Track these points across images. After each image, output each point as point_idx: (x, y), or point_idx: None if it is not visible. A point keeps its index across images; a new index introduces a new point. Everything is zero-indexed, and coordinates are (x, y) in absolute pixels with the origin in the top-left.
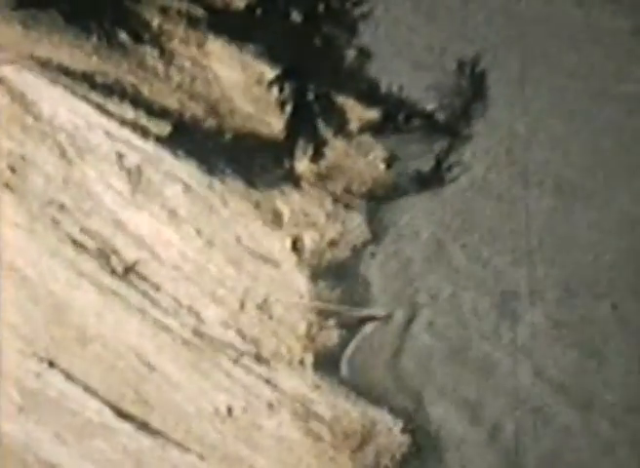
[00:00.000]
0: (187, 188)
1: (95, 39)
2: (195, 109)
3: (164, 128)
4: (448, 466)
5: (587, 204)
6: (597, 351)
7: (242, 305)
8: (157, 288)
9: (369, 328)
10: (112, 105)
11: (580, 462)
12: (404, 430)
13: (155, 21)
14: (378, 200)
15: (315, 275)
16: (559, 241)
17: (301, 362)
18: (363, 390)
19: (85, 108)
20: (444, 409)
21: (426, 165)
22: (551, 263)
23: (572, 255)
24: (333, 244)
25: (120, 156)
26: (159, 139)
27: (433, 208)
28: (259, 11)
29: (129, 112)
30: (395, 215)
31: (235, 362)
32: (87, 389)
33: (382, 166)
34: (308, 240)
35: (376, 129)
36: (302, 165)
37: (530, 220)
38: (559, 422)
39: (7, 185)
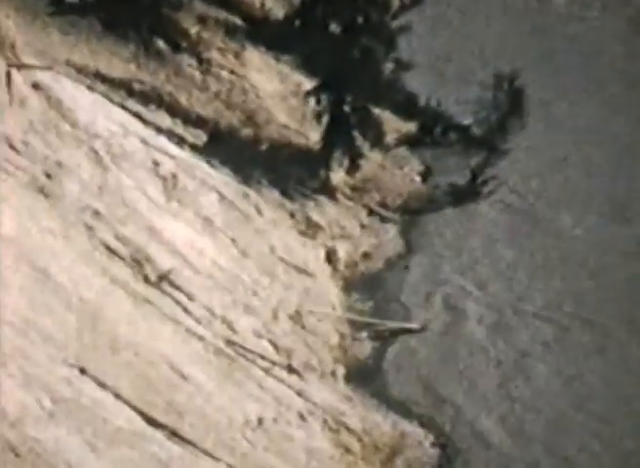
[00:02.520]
0: (222, 197)
1: (132, 46)
2: (232, 118)
3: (200, 137)
4: None
5: (623, 224)
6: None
7: (275, 315)
8: (190, 297)
9: (403, 340)
10: (149, 113)
11: None
12: (434, 444)
13: (193, 30)
14: (412, 213)
15: (348, 287)
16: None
17: (333, 373)
18: (394, 403)
19: (121, 115)
20: (477, 421)
21: (462, 179)
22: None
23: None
24: (367, 256)
25: (156, 164)
26: (195, 148)
27: (468, 222)
28: (297, 21)
29: (165, 120)
30: (430, 229)
31: (267, 372)
32: (118, 397)
33: (418, 179)
34: (342, 251)
35: (412, 142)
36: (338, 176)
37: (559, 237)
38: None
39: (42, 191)
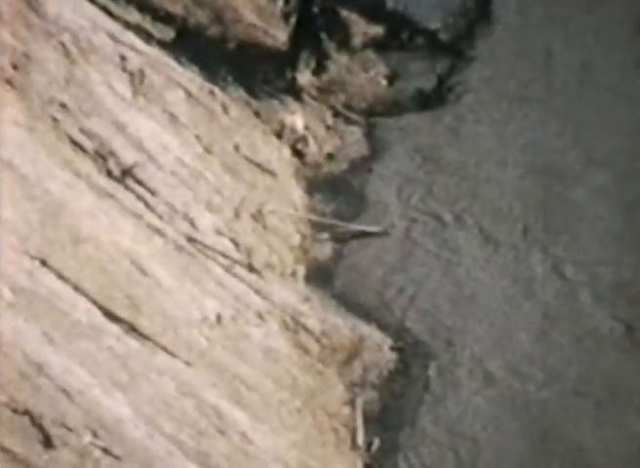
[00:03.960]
0: (189, 94)
1: None
2: (200, 16)
3: (168, 33)
4: (435, 385)
5: (589, 133)
6: None
7: (237, 214)
8: (153, 192)
9: (364, 243)
10: (117, 8)
11: None
12: (393, 347)
13: None
14: (377, 116)
15: (311, 187)
16: (549, 169)
17: (293, 274)
18: (354, 305)
19: (90, 9)
20: (435, 327)
21: (428, 84)
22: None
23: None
24: (331, 157)
25: (123, 59)
26: (163, 44)
27: (433, 127)
28: None
29: (134, 16)
30: (394, 133)
31: (227, 270)
32: (77, 289)
33: (384, 82)
34: (307, 152)
35: (379, 45)
36: (304, 77)
37: (523, 144)
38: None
39: (9, 82)
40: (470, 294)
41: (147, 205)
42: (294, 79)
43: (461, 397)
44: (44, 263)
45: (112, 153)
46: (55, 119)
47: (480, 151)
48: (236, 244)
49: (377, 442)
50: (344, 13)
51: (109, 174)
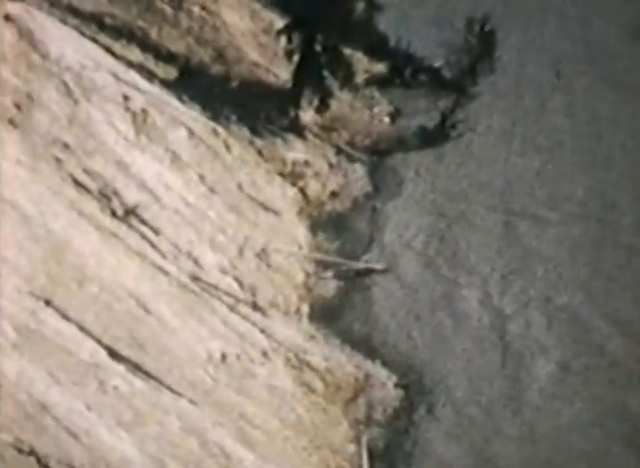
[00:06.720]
0: (191, 133)
1: None
2: (202, 55)
3: (170, 72)
4: (440, 422)
5: (589, 168)
6: None
7: (241, 253)
8: (157, 231)
9: (367, 281)
10: (120, 48)
11: None
12: (397, 384)
13: None
14: (381, 153)
15: (315, 226)
16: (552, 200)
17: (297, 312)
18: (358, 342)
19: (93, 49)
20: (438, 364)
21: (431, 121)
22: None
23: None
24: (334, 195)
25: (126, 98)
26: (165, 83)
27: (436, 164)
28: None
29: (136, 55)
30: (398, 170)
31: (231, 309)
32: (82, 329)
33: (387, 120)
34: (310, 190)
35: (382, 83)
36: (308, 115)
37: (525, 179)
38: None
39: (11, 122)
40: (471, 333)
41: (151, 244)
42: (296, 117)
43: (457, 434)
44: (48, 303)
45: (116, 193)
46: (58, 159)
47: (483, 187)
48: (240, 282)
49: None
50: (347, 50)
51: (113, 213)
